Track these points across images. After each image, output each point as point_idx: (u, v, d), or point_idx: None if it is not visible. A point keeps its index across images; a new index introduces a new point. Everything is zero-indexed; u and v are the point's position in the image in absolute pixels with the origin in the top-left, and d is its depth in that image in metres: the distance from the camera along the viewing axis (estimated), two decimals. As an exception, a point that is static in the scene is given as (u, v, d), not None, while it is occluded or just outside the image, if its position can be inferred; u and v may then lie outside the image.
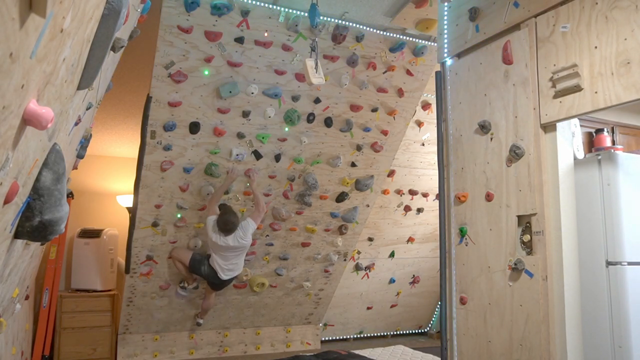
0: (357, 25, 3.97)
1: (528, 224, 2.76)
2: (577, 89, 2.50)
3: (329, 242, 5.31)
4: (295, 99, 4.22)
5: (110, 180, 5.98)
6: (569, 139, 2.78)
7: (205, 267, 4.56)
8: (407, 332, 6.82)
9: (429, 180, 5.73)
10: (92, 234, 5.43)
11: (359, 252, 5.87)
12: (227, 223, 4.30)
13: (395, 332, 6.72)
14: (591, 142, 3.77)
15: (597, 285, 3.03)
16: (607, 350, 2.94)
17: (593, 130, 3.78)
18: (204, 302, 5.01)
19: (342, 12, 3.79)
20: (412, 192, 5.72)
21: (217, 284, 4.69)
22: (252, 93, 4.04)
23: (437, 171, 3.50)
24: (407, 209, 5.81)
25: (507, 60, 2.90)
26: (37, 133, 1.26)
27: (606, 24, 2.38)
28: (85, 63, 1.53)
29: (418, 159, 5.57)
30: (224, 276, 4.57)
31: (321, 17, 3.70)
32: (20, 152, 1.17)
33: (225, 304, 5.28)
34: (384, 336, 6.64)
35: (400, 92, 4.53)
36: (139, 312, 4.98)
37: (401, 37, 4.16)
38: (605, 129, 3.76)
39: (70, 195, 4.36)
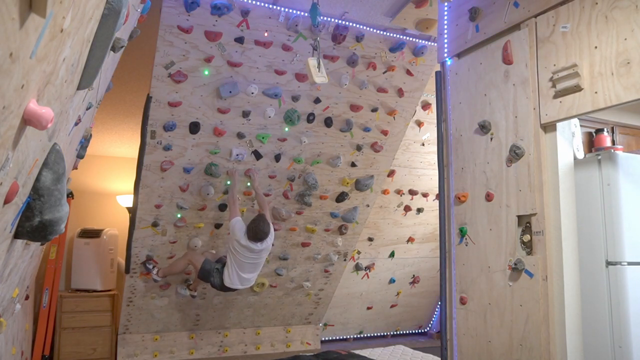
0: (357, 25, 3.97)
1: (528, 224, 2.76)
2: (577, 89, 2.50)
3: (329, 242, 5.31)
4: (295, 99, 4.22)
5: (110, 180, 5.98)
6: (569, 139, 2.78)
7: (215, 279, 4.40)
8: (407, 332, 6.82)
9: (429, 180, 5.72)
10: (92, 234, 5.43)
11: (359, 252, 5.87)
12: (259, 232, 4.15)
13: (395, 332, 6.72)
14: (591, 142, 3.77)
15: (597, 285, 3.02)
16: (607, 350, 2.94)
17: (593, 130, 3.78)
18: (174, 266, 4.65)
19: (342, 12, 3.79)
20: (412, 192, 5.72)
21: (225, 291, 4.59)
22: (252, 93, 4.04)
23: (437, 171, 3.50)
24: (407, 209, 5.81)
25: (507, 60, 2.90)
26: (37, 133, 1.26)
27: (606, 24, 2.38)
28: (85, 63, 1.53)
29: (418, 159, 5.57)
30: (240, 286, 4.44)
31: (321, 17, 3.70)
32: (20, 152, 1.17)
33: (225, 304, 5.28)
34: (384, 336, 6.64)
35: (400, 92, 4.53)
36: (139, 312, 4.98)
37: (401, 37, 4.16)
38: (605, 129, 3.76)
39: (70, 195, 4.36)
